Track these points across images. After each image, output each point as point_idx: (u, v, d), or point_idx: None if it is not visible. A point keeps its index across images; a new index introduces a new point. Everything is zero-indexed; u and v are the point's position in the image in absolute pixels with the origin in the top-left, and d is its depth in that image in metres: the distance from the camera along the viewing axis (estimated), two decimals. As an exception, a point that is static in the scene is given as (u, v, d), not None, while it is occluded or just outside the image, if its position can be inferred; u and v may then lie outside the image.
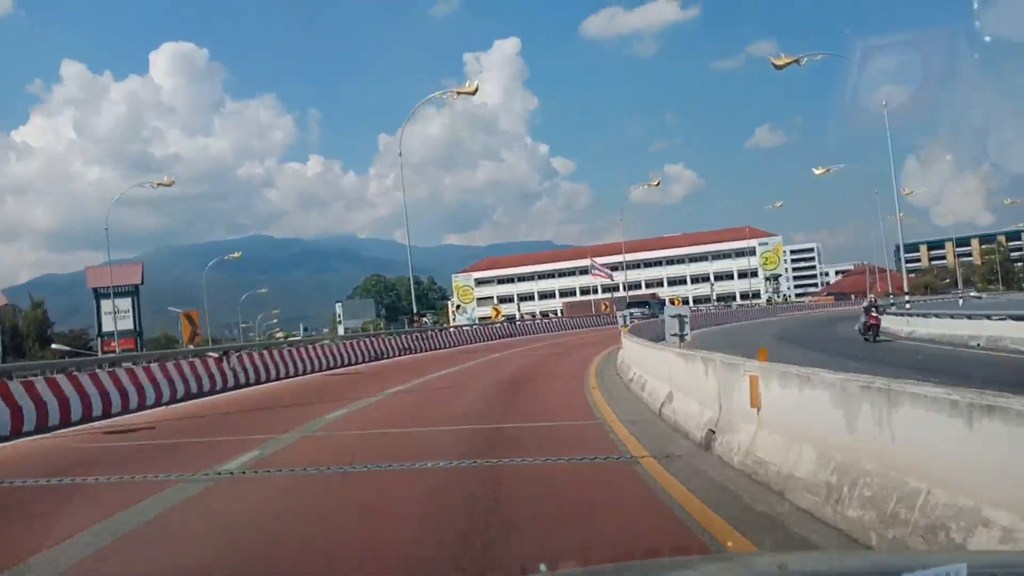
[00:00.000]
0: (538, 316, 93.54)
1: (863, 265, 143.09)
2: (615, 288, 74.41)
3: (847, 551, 3.69)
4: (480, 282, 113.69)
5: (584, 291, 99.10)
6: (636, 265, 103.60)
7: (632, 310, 38.13)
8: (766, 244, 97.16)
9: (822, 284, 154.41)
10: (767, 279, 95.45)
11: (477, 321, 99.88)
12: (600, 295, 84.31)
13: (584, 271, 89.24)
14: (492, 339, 38.09)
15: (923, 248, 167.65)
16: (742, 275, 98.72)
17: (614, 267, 71.67)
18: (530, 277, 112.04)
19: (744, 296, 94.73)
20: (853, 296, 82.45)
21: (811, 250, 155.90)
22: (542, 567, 3.51)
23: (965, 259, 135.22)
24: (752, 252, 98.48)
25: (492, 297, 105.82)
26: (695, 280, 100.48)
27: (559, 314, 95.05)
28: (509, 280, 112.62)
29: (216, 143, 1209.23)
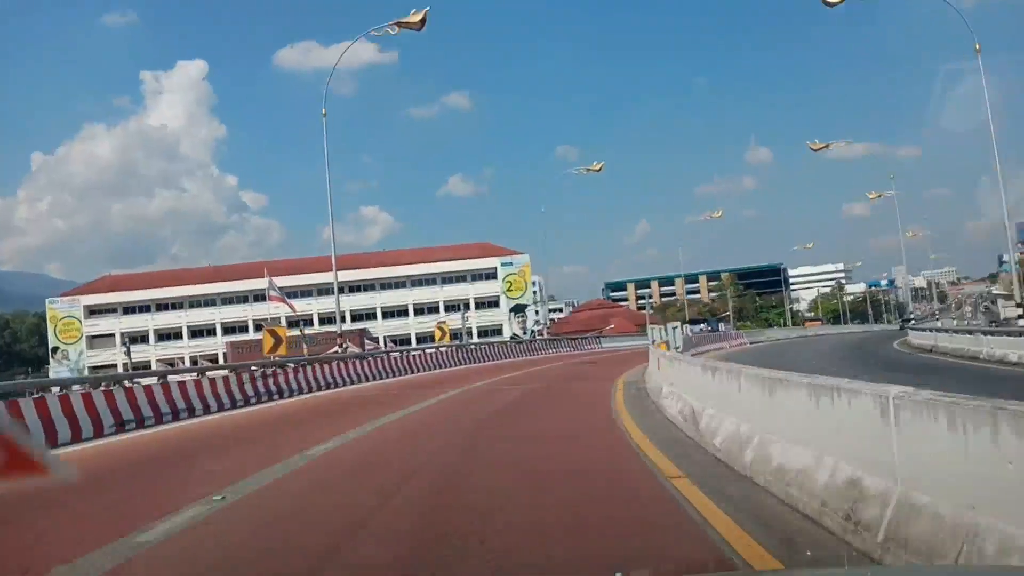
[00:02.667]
0: (182, 364, 59.94)
1: (600, 300, 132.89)
2: (299, 322, 46.32)
3: (871, 566, 3.63)
4: (95, 311, 74.00)
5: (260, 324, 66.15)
6: (341, 289, 74.33)
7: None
8: (510, 265, 74.85)
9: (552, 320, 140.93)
10: (511, 311, 72.65)
11: (86, 372, 61.92)
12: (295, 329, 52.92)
13: (261, 296, 58.01)
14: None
15: (630, 286, 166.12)
16: (482, 303, 75.00)
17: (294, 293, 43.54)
18: (176, 304, 75.39)
19: (484, 332, 70.89)
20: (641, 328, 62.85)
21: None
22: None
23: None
24: (493, 274, 75.50)
25: (114, 335, 68.13)
26: (424, 310, 74.12)
27: (223, 359, 62.18)
28: (143, 308, 74.92)
29: None
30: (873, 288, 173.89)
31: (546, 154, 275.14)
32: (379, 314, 74.85)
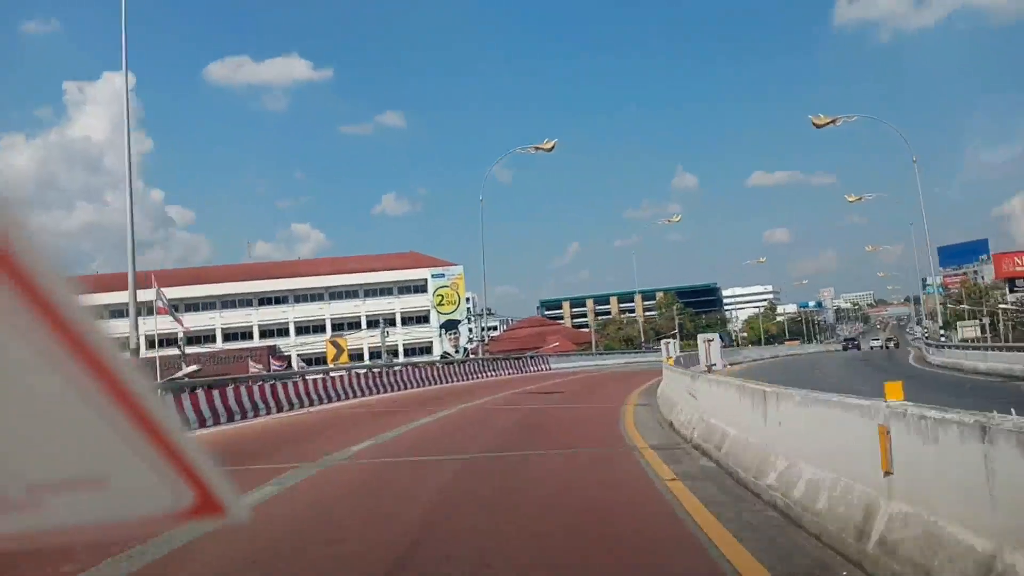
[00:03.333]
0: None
1: (539, 318, 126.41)
2: (186, 341, 38.13)
3: None
4: None
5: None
6: (249, 302, 65.50)
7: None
8: (442, 277, 67.79)
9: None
10: (442, 327, 65.74)
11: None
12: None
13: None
14: None
15: (565, 304, 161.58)
16: (410, 319, 67.70)
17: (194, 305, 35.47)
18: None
19: (413, 350, 63.68)
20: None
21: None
22: None
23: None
24: (423, 287, 68.40)
25: None
26: (344, 325, 65.75)
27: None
28: None
29: None
30: (803, 309, 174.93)
31: (482, 174, 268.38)
32: (292, 329, 66.16)
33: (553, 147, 35.05)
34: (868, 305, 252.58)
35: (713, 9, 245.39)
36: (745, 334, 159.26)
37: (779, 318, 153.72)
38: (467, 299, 68.75)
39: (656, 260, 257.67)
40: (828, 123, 31.17)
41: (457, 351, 64.52)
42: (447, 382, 27.90)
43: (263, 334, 64.93)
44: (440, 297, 66.69)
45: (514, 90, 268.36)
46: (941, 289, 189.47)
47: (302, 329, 65.74)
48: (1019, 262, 71.71)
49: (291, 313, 66.26)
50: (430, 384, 26.39)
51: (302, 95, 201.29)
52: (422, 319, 67.05)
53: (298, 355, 61.26)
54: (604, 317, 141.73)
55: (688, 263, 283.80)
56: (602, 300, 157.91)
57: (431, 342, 64.31)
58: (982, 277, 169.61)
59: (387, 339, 46.69)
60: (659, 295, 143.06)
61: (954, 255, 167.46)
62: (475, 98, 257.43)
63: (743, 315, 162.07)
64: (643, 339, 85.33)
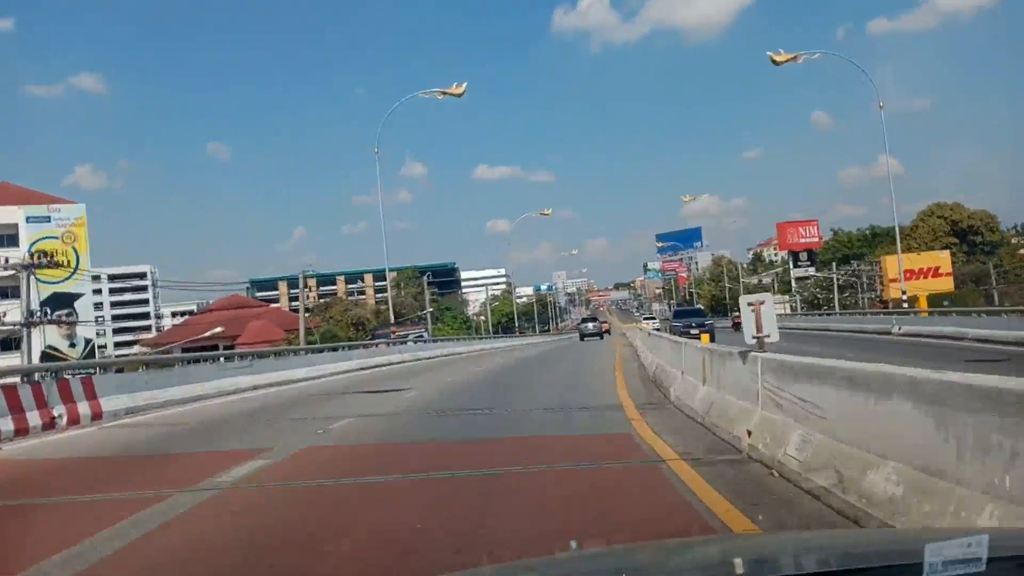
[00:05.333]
0: None
1: (242, 297, 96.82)
2: None
3: (859, 530, 3.65)
4: None
5: None
6: None
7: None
8: (47, 221, 40.65)
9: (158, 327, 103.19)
10: (44, 305, 39.27)
11: None
12: None
13: None
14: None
15: (282, 285, 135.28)
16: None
17: None
18: None
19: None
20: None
21: (142, 275, 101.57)
22: (573, 544, 3.78)
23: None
24: (13, 238, 40.78)
25: None
26: None
27: None
28: None
29: None
30: (538, 292, 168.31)
31: (196, 150, 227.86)
32: None
33: (463, 91, 33.28)
34: (587, 291, 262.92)
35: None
36: (484, 318, 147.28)
37: (521, 299, 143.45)
38: (154, 272, 42.06)
39: (387, 244, 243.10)
40: (789, 59, 31.24)
41: (74, 344, 39.19)
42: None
43: None
44: (44, 252, 39.33)
45: (236, 63, 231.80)
46: (659, 274, 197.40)
47: None
48: (804, 233, 64.62)
49: None
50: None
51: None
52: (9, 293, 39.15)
53: None
54: (329, 298, 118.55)
55: (420, 248, 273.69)
56: (327, 280, 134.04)
57: (18, 333, 37.16)
58: (696, 264, 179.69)
59: None
60: (392, 274, 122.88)
61: (671, 239, 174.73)
62: (194, 69, 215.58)
63: (480, 297, 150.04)
64: (393, 319, 64.66)
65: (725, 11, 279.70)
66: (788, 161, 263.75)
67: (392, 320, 54.69)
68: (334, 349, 27.52)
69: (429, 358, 32.56)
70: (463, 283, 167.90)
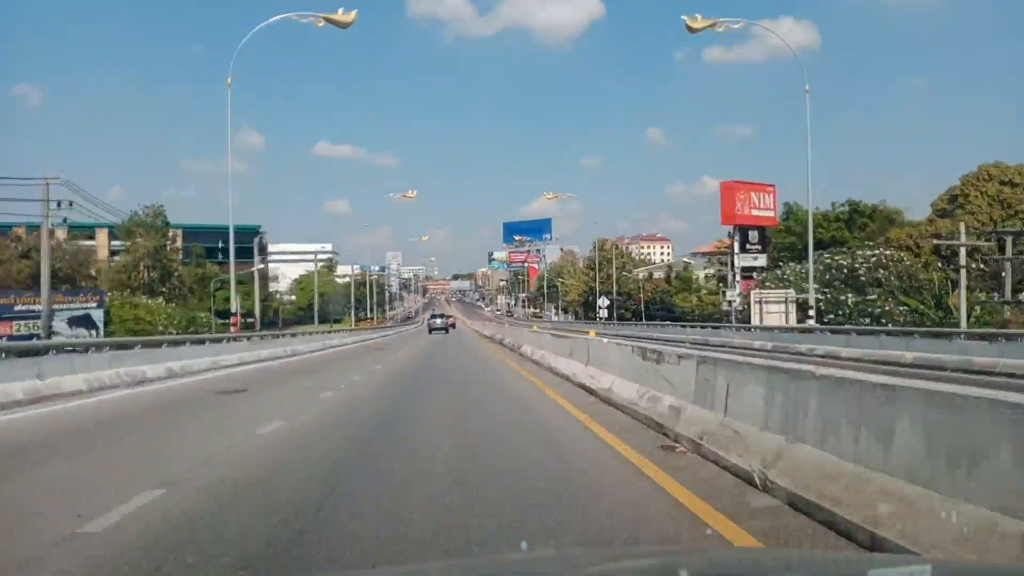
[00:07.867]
0: None
1: None
2: None
3: (847, 553, 3.52)
4: None
5: None
6: None
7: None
8: None
9: None
10: None
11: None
12: None
13: None
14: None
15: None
16: None
17: None
18: None
19: None
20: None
21: None
22: (523, 545, 3.78)
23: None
24: None
25: None
26: None
27: None
28: None
29: None
30: (367, 272, 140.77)
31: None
32: None
33: (353, 20, 29.65)
34: (426, 278, 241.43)
35: None
36: (294, 297, 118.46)
37: (343, 279, 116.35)
38: None
39: (213, 214, 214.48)
40: (707, 26, 28.76)
41: None
42: None
43: None
44: None
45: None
46: (505, 265, 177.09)
47: None
48: (759, 202, 43.18)
49: None
50: None
51: None
52: None
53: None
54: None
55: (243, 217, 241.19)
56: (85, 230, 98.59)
57: None
58: (544, 256, 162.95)
59: None
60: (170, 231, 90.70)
61: (520, 230, 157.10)
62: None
63: (293, 272, 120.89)
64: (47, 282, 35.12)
65: (580, 20, 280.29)
66: (623, 169, 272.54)
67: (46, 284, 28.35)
68: None
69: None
70: (272, 255, 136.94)
